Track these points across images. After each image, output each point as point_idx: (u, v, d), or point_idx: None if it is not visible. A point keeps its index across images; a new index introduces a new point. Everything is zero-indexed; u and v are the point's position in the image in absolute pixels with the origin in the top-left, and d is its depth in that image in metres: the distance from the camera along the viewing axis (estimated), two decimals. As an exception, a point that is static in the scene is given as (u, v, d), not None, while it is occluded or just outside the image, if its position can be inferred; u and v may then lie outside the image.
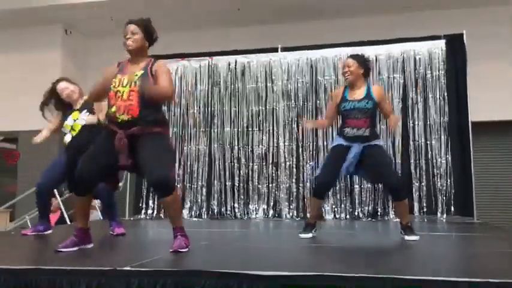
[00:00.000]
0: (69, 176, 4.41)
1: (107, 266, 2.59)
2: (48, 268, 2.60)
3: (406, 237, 4.07)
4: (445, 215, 6.61)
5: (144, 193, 7.45)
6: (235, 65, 7.60)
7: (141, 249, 3.85)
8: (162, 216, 7.12)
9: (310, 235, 4.24)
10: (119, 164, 3.26)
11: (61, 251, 3.20)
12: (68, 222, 6.83)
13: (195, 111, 7.61)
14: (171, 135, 6.73)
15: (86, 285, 2.43)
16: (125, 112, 3.23)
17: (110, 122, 3.32)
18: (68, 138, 4.54)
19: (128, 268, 2.51)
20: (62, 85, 4.65)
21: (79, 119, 4.50)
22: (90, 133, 4.33)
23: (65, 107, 4.67)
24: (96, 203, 7.46)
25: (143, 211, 7.32)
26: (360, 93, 4.23)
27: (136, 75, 3.30)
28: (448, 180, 6.75)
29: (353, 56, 4.38)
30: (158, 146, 3.24)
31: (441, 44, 7.00)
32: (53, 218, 7.05)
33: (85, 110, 4.52)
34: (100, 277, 2.45)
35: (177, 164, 7.35)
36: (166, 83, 3.29)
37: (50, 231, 4.63)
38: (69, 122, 4.54)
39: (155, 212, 7.39)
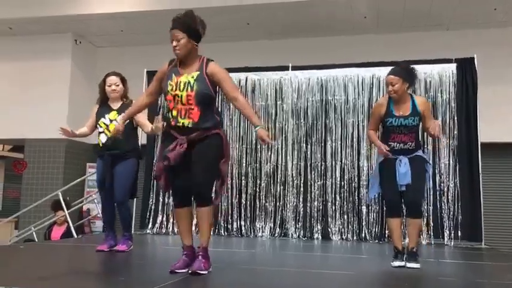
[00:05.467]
0: (101, 184, 4.56)
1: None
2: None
3: (408, 264, 4.00)
4: (452, 240, 6.58)
5: (153, 207, 7.42)
6: (246, 82, 7.62)
7: (152, 271, 3.83)
8: (164, 231, 7.13)
9: (403, 263, 4.04)
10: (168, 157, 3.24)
11: (175, 272, 3.25)
12: (75, 236, 6.82)
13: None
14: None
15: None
16: (185, 116, 3.28)
17: (170, 127, 3.36)
18: (102, 139, 4.57)
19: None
20: (110, 79, 4.65)
21: (116, 121, 4.48)
22: (126, 141, 4.45)
23: (105, 101, 4.68)
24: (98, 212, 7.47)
25: (149, 225, 7.30)
26: (406, 108, 4.08)
27: (193, 76, 3.32)
28: (456, 204, 6.73)
29: (396, 72, 4.10)
30: (211, 151, 3.31)
31: (452, 67, 7.00)
32: (60, 230, 7.07)
33: (123, 114, 4.53)
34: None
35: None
36: (235, 90, 3.38)
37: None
38: (105, 120, 4.57)
39: (164, 228, 7.31)
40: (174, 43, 3.32)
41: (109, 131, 4.52)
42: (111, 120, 4.57)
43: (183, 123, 3.29)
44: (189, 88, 3.29)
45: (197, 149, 3.31)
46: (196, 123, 3.28)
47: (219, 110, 3.50)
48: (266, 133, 3.26)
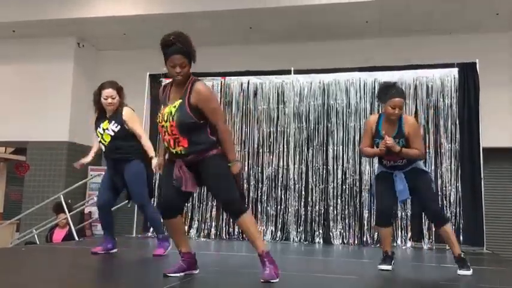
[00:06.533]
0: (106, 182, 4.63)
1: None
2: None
3: (459, 272, 3.97)
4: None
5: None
6: (248, 86, 7.63)
7: (152, 274, 3.82)
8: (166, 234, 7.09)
9: (390, 267, 4.12)
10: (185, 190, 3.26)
11: (169, 276, 3.23)
12: (76, 238, 6.82)
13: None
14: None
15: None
16: (176, 144, 3.26)
17: (169, 153, 3.36)
18: (102, 147, 4.64)
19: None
20: (107, 92, 4.61)
21: (108, 130, 4.54)
22: (126, 145, 4.51)
23: (100, 110, 4.69)
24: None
25: (151, 229, 7.29)
26: (392, 128, 4.05)
27: (175, 106, 3.25)
28: (458, 209, 6.72)
29: (403, 95, 4.09)
30: (218, 169, 3.26)
31: (454, 72, 7.01)
32: (61, 233, 7.07)
33: (113, 121, 4.56)
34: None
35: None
36: (216, 119, 3.28)
37: (115, 250, 4.62)
38: (100, 130, 4.60)
39: (166, 231, 7.27)
40: (178, 69, 3.23)
41: (104, 140, 4.56)
42: (104, 130, 4.57)
43: (176, 151, 3.28)
44: (170, 119, 3.24)
45: (203, 172, 3.28)
46: (188, 149, 3.24)
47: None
48: (238, 167, 3.29)
